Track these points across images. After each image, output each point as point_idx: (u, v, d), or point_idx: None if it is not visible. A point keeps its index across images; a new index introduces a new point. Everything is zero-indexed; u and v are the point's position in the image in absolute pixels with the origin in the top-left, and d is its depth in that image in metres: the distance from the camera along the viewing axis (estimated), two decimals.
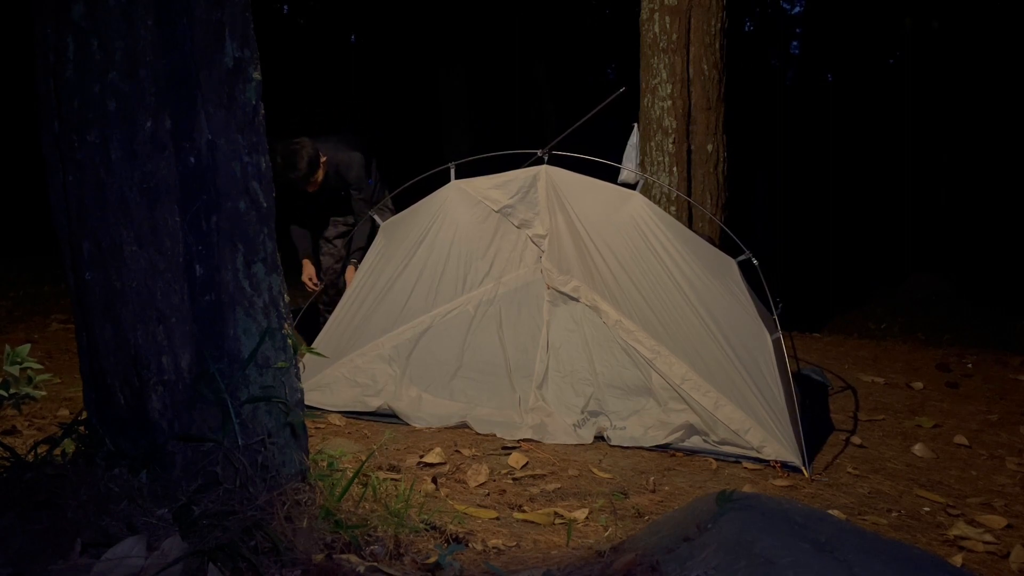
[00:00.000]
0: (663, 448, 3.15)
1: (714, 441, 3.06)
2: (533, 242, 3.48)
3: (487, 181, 3.49)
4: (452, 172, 3.56)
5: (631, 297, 3.24)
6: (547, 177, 3.43)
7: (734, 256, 3.39)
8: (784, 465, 2.96)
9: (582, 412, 3.32)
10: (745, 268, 3.45)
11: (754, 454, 3.00)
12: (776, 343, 3.18)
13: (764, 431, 2.96)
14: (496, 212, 3.47)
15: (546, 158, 3.49)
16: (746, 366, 3.09)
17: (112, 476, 1.59)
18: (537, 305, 3.46)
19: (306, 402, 3.43)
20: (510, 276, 3.48)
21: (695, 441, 3.12)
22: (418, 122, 13.09)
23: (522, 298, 3.48)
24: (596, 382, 3.31)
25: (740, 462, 3.03)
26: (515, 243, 3.50)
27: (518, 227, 3.48)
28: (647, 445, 3.15)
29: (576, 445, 3.21)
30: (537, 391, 3.40)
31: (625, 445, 3.18)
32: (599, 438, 3.27)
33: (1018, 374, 4.83)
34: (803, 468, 2.92)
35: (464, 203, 3.51)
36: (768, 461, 2.98)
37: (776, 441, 2.95)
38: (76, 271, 1.66)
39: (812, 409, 3.77)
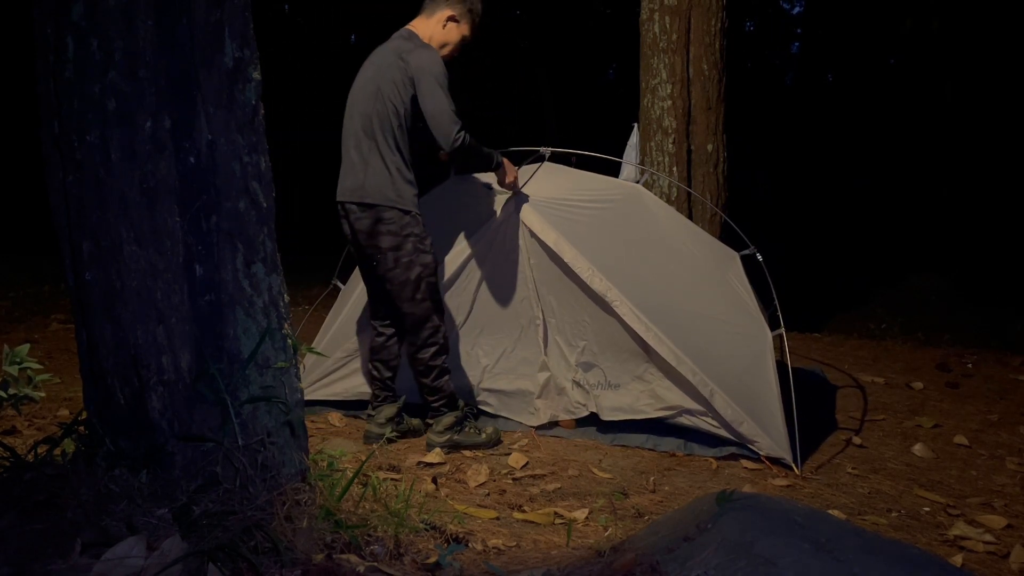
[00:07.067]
0: (657, 423, 3.15)
1: (708, 421, 3.04)
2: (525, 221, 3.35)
3: (486, 177, 3.48)
4: (452, 171, 3.56)
5: (627, 272, 3.17)
6: (547, 170, 3.41)
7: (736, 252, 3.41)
8: (775, 462, 2.96)
9: (576, 365, 3.31)
10: (746, 264, 3.46)
11: (747, 444, 3.00)
12: (775, 339, 3.19)
13: (757, 426, 2.95)
14: (489, 190, 3.40)
15: (547, 155, 3.47)
16: (743, 360, 3.08)
17: (112, 476, 1.59)
18: (526, 264, 3.40)
19: (320, 396, 3.44)
20: (503, 240, 3.38)
21: (687, 419, 3.08)
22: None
23: (513, 259, 3.41)
24: (588, 334, 3.29)
25: (739, 460, 3.03)
26: (510, 215, 3.36)
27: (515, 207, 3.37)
28: (637, 416, 3.14)
29: (576, 445, 3.21)
30: (542, 347, 3.40)
31: (616, 419, 3.18)
32: (594, 417, 3.27)
33: (1018, 374, 4.83)
34: (794, 465, 2.92)
35: (463, 189, 3.51)
36: (759, 455, 2.98)
37: (768, 437, 2.94)
38: (76, 271, 1.66)
39: (812, 409, 3.76)
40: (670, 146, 4.92)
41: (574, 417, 3.32)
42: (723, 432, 3.02)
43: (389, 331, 3.21)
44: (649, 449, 3.16)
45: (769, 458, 2.97)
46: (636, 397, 3.17)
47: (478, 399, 3.47)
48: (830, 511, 2.43)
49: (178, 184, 1.61)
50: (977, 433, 3.59)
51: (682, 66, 4.89)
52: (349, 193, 3.00)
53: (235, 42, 1.68)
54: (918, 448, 3.30)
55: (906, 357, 5.32)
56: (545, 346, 3.39)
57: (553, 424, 3.38)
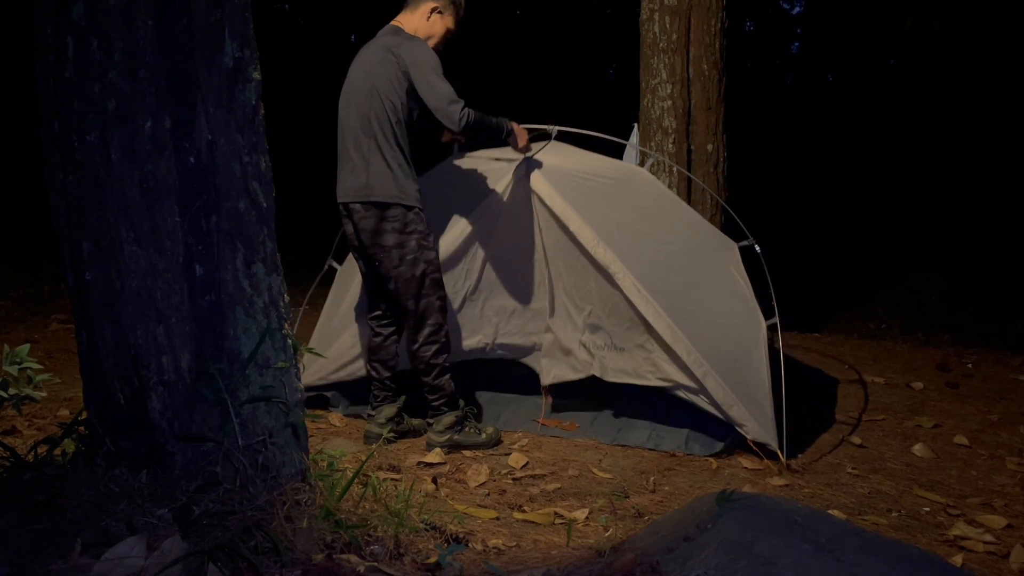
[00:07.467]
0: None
1: (703, 400, 3.05)
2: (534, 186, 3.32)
3: (492, 152, 3.49)
4: (455, 147, 3.58)
5: (630, 247, 3.16)
6: (554, 147, 3.40)
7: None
8: (763, 448, 2.98)
9: (583, 326, 3.35)
10: (745, 258, 3.48)
11: (736, 427, 3.02)
12: (770, 330, 3.21)
13: (746, 411, 2.96)
14: (497, 161, 3.40)
15: (554, 134, 3.44)
16: (737, 346, 3.11)
17: (112, 476, 1.59)
18: (537, 228, 3.42)
19: (336, 379, 3.42)
20: (514, 205, 3.36)
21: (683, 394, 3.11)
22: None
23: (525, 223, 3.43)
24: (594, 299, 3.32)
25: (739, 461, 3.03)
26: (521, 180, 3.34)
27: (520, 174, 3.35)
28: (639, 382, 3.19)
29: (576, 445, 3.22)
30: (549, 310, 3.46)
31: (619, 381, 3.23)
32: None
33: (1018, 374, 4.83)
34: (780, 453, 2.95)
35: (471, 161, 3.52)
36: (757, 448, 3.00)
37: (756, 423, 2.96)
38: (76, 271, 1.66)
39: (812, 408, 3.77)
40: (670, 146, 4.91)
41: (579, 376, 3.37)
42: (715, 412, 3.04)
43: (387, 331, 3.21)
44: (649, 449, 3.16)
45: (756, 444, 2.99)
46: (639, 363, 3.20)
47: (496, 350, 3.57)
48: (830, 511, 2.43)
49: (178, 184, 1.61)
50: (977, 433, 3.59)
51: (682, 66, 4.88)
52: (352, 193, 2.99)
53: (235, 42, 1.68)
54: (918, 448, 3.30)
55: (906, 357, 5.32)
56: (552, 310, 3.44)
57: (558, 390, 3.44)
